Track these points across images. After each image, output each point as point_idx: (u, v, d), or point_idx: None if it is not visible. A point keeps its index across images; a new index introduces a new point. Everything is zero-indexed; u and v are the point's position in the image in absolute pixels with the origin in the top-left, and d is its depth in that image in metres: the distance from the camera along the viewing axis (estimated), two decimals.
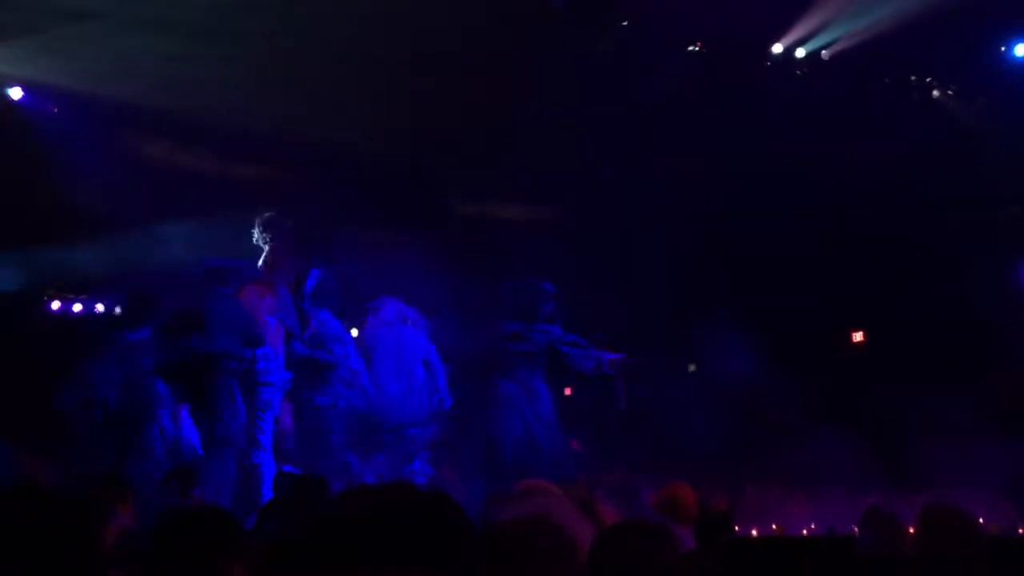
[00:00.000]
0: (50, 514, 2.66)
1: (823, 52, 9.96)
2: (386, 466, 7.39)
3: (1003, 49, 9.91)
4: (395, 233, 10.19)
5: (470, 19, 8.52)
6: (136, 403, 6.74)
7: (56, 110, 9.58)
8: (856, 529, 4.96)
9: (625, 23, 9.19)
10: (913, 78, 10.48)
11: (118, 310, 11.65)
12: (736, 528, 5.70)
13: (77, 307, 11.98)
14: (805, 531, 7.57)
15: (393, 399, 7.47)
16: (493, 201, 11.53)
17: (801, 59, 10.03)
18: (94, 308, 12.00)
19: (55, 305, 11.87)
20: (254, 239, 7.55)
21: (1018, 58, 9.89)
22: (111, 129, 9.73)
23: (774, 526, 7.18)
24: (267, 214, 7.58)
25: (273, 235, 7.48)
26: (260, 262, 7.50)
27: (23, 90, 9.49)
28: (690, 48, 9.84)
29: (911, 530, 4.55)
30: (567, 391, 12.69)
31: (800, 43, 9.90)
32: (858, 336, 12.03)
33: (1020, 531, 8.23)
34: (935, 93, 10.58)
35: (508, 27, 8.77)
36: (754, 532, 6.41)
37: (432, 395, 7.66)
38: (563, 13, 8.83)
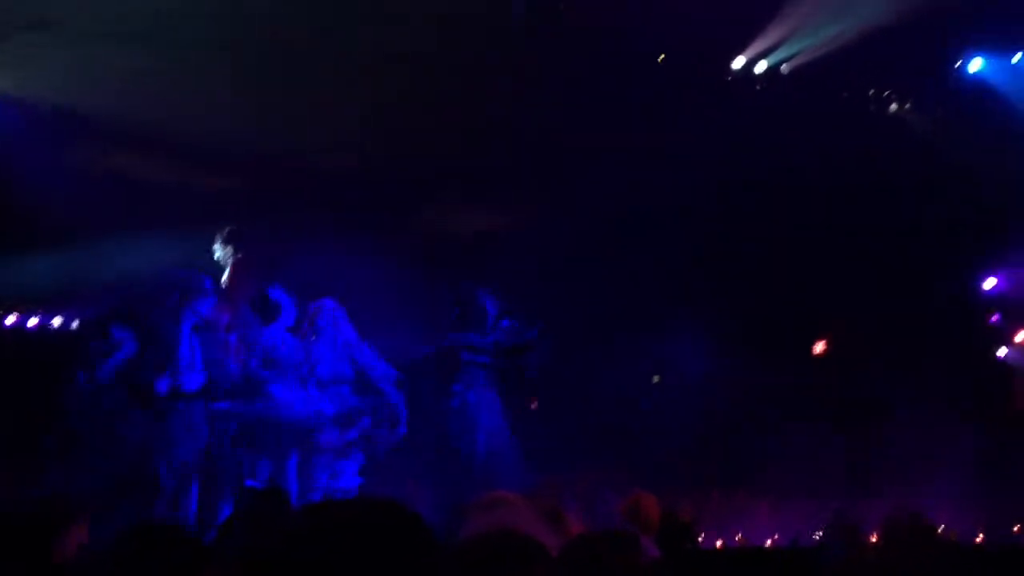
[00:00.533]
0: (7, 532, 2.62)
1: (783, 66, 10.09)
2: (318, 472, 7.31)
3: (958, 64, 10.11)
4: (358, 243, 10.15)
5: (437, 31, 8.53)
6: (99, 419, 6.63)
7: (14, 120, 9.44)
8: (818, 538, 5.01)
9: (588, 36, 9.23)
10: (871, 92, 10.65)
11: (75, 324, 11.49)
12: (701, 536, 5.73)
13: (32, 321, 11.80)
14: (769, 541, 7.63)
15: (322, 403, 7.40)
16: (458, 210, 11.54)
17: (761, 73, 10.15)
18: (50, 323, 11.82)
19: (10, 320, 11.68)
20: (215, 255, 7.43)
21: (972, 73, 10.10)
22: (70, 140, 9.61)
23: (738, 536, 7.23)
24: (229, 228, 7.47)
25: (235, 250, 7.38)
26: (223, 278, 7.39)
27: None
28: (652, 61, 9.91)
29: (873, 538, 4.60)
30: (533, 403, 12.72)
31: (760, 57, 10.02)
32: (819, 347, 12.17)
33: (978, 538, 8.36)
34: (893, 107, 10.76)
35: (474, 38, 8.80)
36: (719, 542, 6.46)
37: (362, 399, 7.58)
38: (525, 22, 8.85)
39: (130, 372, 6.57)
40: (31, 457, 6.93)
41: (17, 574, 2.99)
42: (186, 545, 3.01)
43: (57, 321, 11.76)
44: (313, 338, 7.49)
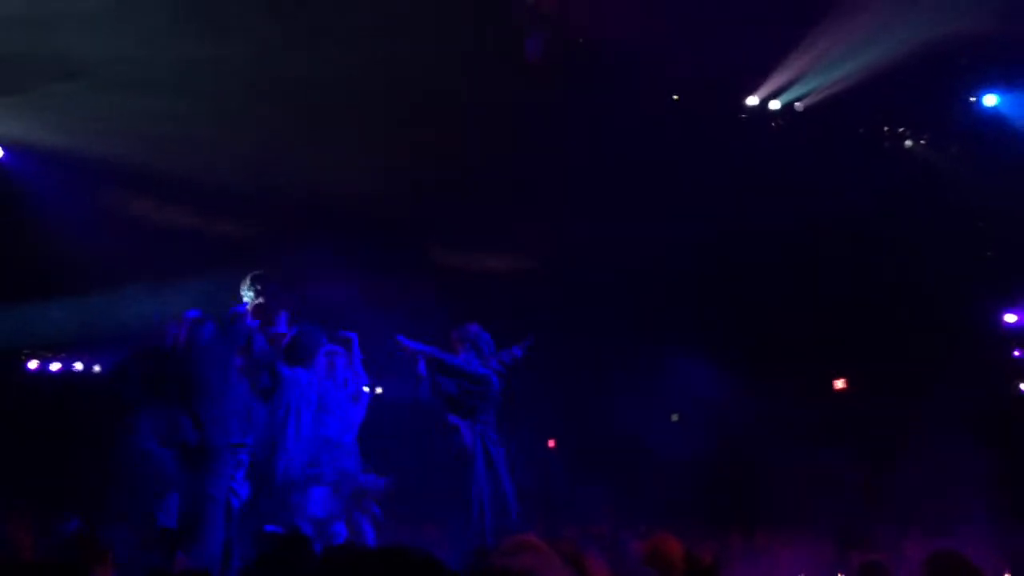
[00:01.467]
0: None
1: (797, 104, 10.13)
2: (333, 513, 7.27)
3: (973, 99, 10.13)
4: (376, 285, 10.20)
5: (452, 74, 8.63)
6: (123, 464, 6.62)
7: (38, 167, 9.58)
8: None
9: (604, 76, 9.31)
10: (886, 128, 10.67)
11: (97, 368, 11.55)
12: None
13: (55, 366, 11.87)
14: None
15: (335, 447, 7.38)
16: (473, 251, 11.60)
17: (776, 111, 10.19)
18: (72, 367, 11.89)
19: (32, 364, 11.75)
20: (244, 298, 7.44)
21: (987, 108, 10.11)
22: (93, 187, 9.73)
23: None
24: (256, 272, 7.49)
25: (256, 294, 7.39)
26: (248, 319, 7.39)
27: (3, 149, 9.49)
28: (667, 100, 9.98)
29: None
30: (551, 442, 12.68)
31: (775, 95, 10.07)
32: (840, 383, 12.11)
33: None
34: (908, 142, 10.77)
35: (489, 81, 8.89)
36: None
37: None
38: (539, 65, 8.93)
39: (162, 416, 6.53)
40: (58, 500, 6.94)
41: None
42: None
43: (79, 366, 11.83)
44: (329, 381, 7.50)
